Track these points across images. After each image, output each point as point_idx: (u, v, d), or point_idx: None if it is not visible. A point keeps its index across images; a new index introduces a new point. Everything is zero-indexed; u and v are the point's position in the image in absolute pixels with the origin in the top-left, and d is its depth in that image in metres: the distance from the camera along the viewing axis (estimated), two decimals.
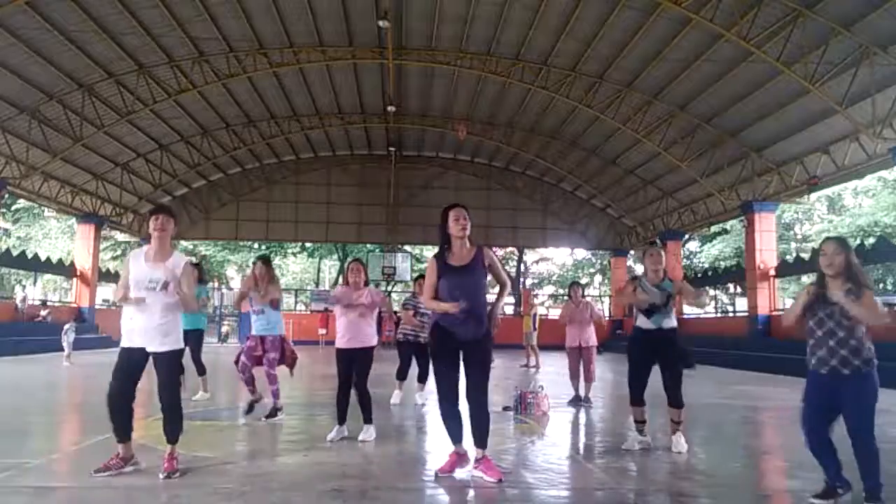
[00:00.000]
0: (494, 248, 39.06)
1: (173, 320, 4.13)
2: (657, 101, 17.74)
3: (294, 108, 21.76)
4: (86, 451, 4.49)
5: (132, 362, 4.07)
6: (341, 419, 5.49)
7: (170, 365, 4.13)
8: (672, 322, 5.11)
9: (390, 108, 20.39)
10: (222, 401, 8.06)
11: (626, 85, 17.49)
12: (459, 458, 4.26)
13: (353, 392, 5.52)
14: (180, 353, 4.24)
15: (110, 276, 24.68)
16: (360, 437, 5.37)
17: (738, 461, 4.86)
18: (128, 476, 4.07)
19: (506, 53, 17.32)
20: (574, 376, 8.25)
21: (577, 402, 8.01)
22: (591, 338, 8.21)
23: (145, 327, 4.06)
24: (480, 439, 4.16)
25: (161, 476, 3.99)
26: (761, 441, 4.99)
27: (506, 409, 7.32)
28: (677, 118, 18.00)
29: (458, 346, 4.19)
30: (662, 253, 5.34)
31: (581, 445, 5.59)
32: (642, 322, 5.13)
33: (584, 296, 8.51)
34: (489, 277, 4.43)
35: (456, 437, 4.24)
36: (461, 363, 4.23)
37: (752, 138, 17.52)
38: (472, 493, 4.00)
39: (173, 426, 4.13)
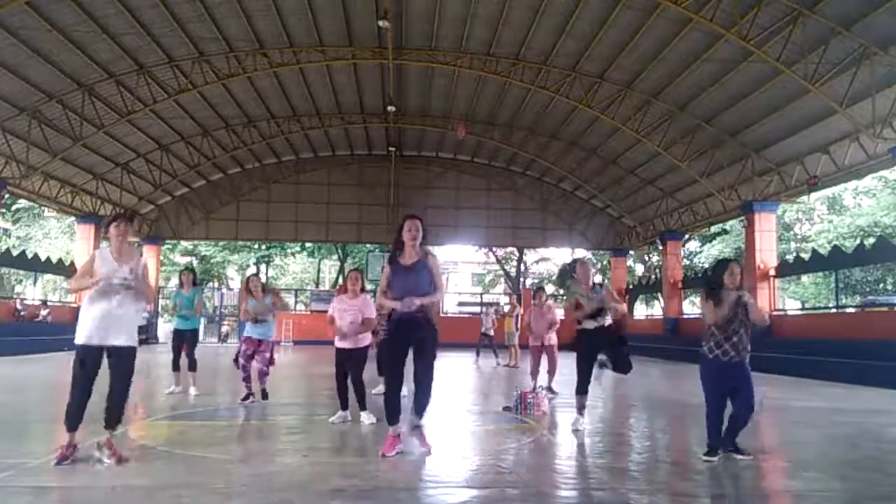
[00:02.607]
0: (494, 248, 39.11)
1: (136, 317, 4.60)
2: (657, 101, 17.73)
3: (294, 108, 21.75)
4: (86, 451, 4.49)
5: (94, 359, 4.39)
6: (344, 405, 6.29)
7: (128, 359, 4.46)
8: (608, 320, 6.08)
9: (390, 108, 20.37)
10: (222, 401, 8.07)
11: (626, 85, 17.48)
12: (398, 438, 4.81)
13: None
14: (135, 350, 4.56)
15: None
16: (363, 421, 6.18)
17: (738, 461, 4.86)
18: (129, 475, 4.08)
19: (506, 53, 17.32)
20: (535, 372, 9.31)
21: (545, 390, 8.74)
22: (553, 337, 9.40)
23: (109, 322, 4.37)
24: (419, 410, 4.79)
25: (109, 462, 4.24)
26: (761, 441, 5.00)
27: (506, 409, 7.34)
28: (677, 118, 17.99)
29: (407, 334, 4.78)
30: (589, 264, 6.40)
31: (581, 445, 5.60)
32: (588, 324, 6.01)
33: (546, 299, 9.69)
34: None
35: (395, 420, 4.79)
36: (408, 353, 4.82)
37: (752, 138, 17.51)
38: (472, 492, 4.00)
39: (120, 414, 4.48)
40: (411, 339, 4.79)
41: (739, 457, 4.77)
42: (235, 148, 23.31)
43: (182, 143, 22.19)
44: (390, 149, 25.35)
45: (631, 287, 29.27)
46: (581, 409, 6.09)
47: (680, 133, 18.55)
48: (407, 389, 5.19)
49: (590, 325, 5.98)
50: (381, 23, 14.76)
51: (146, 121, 19.71)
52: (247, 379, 7.53)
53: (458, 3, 15.18)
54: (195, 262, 37.99)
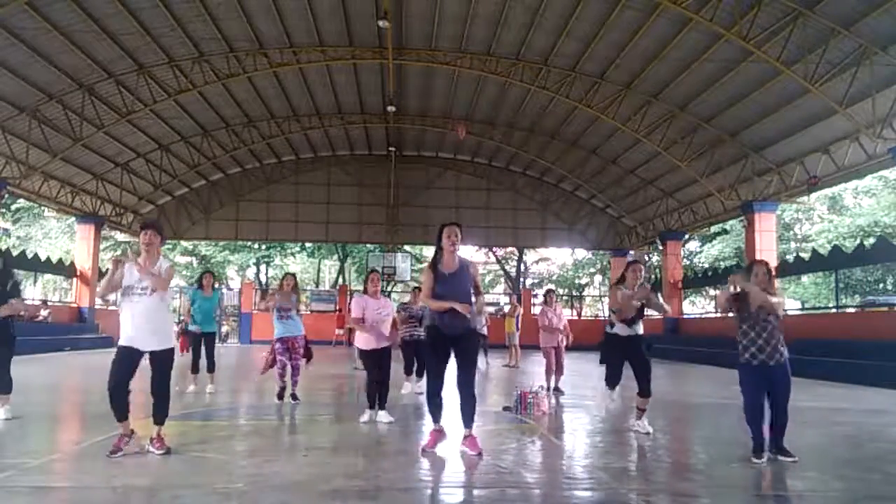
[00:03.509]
0: (494, 248, 39.12)
1: (163, 320, 4.75)
2: (657, 101, 17.73)
3: (294, 108, 21.75)
4: (86, 451, 4.50)
5: (130, 359, 4.59)
6: (372, 405, 6.36)
7: (165, 361, 4.72)
8: (640, 328, 6.05)
9: (390, 108, 20.38)
10: (222, 401, 8.08)
11: (626, 85, 17.49)
12: (440, 434, 4.98)
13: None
14: (172, 350, 4.81)
15: None
16: (379, 419, 6.25)
17: (738, 461, 4.86)
18: (129, 475, 4.09)
19: (506, 53, 17.32)
20: (549, 371, 9.48)
21: (553, 391, 9.17)
22: (563, 338, 9.54)
23: (141, 328, 4.61)
24: (468, 420, 4.88)
25: (158, 453, 4.54)
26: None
27: (506, 408, 7.34)
28: (677, 118, 17.99)
29: (448, 342, 4.90)
30: (641, 269, 6.19)
31: (581, 445, 5.60)
32: (620, 329, 6.00)
33: (556, 301, 9.91)
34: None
35: (437, 418, 4.97)
36: (450, 357, 4.95)
37: (752, 138, 17.51)
38: (472, 492, 4.00)
39: (165, 410, 4.76)
40: (454, 348, 4.91)
41: (788, 459, 4.81)
42: (235, 148, 23.31)
43: (182, 143, 22.20)
44: (390, 149, 25.35)
45: None
46: (612, 389, 6.28)
47: (680, 133, 18.56)
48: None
49: (624, 331, 5.96)
50: (380, 23, 14.75)
51: (146, 121, 19.71)
52: (282, 375, 7.66)
53: (458, 3, 15.17)
54: (195, 262, 37.98)
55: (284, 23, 15.95)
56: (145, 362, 4.69)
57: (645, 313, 6.13)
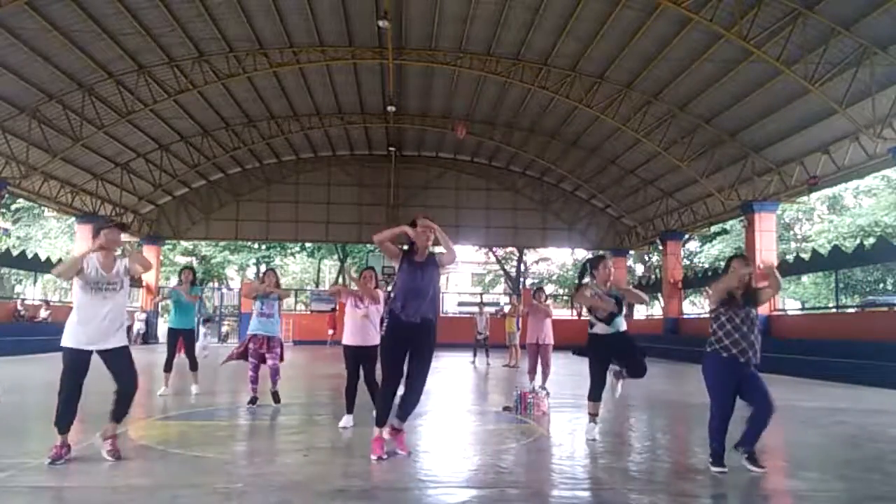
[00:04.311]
0: (494, 248, 39.07)
1: (123, 317, 4.64)
2: (657, 101, 17.73)
3: (294, 108, 21.75)
4: (85, 451, 4.50)
5: (84, 363, 4.42)
6: (350, 408, 6.01)
7: (125, 358, 4.53)
8: (624, 325, 5.68)
9: (390, 108, 20.38)
10: (222, 401, 8.08)
11: (626, 85, 17.48)
12: (384, 439, 4.72)
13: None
14: (128, 346, 4.65)
15: None
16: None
17: (738, 461, 4.86)
18: (129, 475, 4.08)
19: (506, 53, 17.32)
20: (532, 371, 9.39)
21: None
22: (549, 336, 9.45)
23: (105, 327, 4.45)
24: (404, 415, 4.79)
25: (109, 459, 4.33)
26: (761, 441, 5.03)
27: (506, 408, 7.35)
28: (677, 118, 17.99)
29: (406, 335, 4.68)
30: (611, 264, 6.03)
31: (581, 445, 5.60)
32: (600, 329, 5.64)
33: (546, 300, 9.81)
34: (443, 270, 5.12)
35: (382, 420, 4.70)
36: (407, 356, 4.78)
37: (752, 138, 17.51)
38: (472, 493, 4.00)
39: (127, 409, 4.57)
40: (413, 343, 4.73)
41: (753, 468, 4.46)
42: (235, 148, 23.31)
43: (182, 143, 22.20)
44: (390, 149, 25.35)
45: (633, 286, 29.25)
46: (593, 416, 5.73)
47: (680, 133, 18.55)
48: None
49: (604, 329, 5.64)
50: (381, 23, 14.76)
51: (146, 121, 19.71)
52: (254, 381, 7.27)
53: (458, 3, 15.17)
54: (195, 263, 37.97)
55: (284, 23, 15.95)
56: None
57: (624, 310, 5.81)
